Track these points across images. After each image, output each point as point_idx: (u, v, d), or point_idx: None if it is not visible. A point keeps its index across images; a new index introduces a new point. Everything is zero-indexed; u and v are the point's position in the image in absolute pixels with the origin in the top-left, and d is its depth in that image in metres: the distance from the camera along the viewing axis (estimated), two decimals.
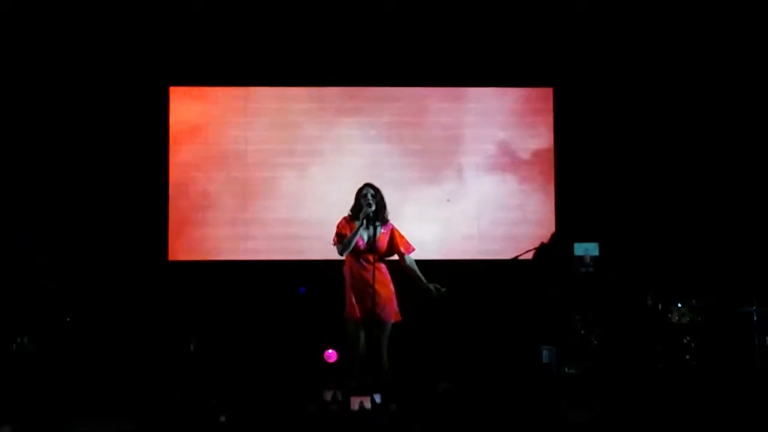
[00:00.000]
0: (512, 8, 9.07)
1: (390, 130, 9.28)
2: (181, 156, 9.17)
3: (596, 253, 8.29)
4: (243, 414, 6.80)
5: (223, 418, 6.64)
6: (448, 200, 9.23)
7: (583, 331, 8.09)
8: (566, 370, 7.92)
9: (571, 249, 8.33)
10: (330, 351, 8.24)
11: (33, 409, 6.81)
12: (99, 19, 8.93)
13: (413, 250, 7.28)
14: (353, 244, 7.05)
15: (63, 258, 8.03)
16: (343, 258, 7.15)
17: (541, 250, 8.62)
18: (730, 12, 8.90)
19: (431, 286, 7.15)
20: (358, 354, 7.05)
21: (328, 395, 6.90)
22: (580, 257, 8.30)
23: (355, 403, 6.69)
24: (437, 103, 9.31)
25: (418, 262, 7.24)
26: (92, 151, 8.99)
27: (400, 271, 7.23)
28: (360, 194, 7.20)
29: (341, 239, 7.11)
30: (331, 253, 7.25)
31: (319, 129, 9.26)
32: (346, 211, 7.24)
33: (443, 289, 7.15)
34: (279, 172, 9.19)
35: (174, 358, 8.16)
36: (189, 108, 9.21)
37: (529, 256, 8.27)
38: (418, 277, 7.21)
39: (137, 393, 7.38)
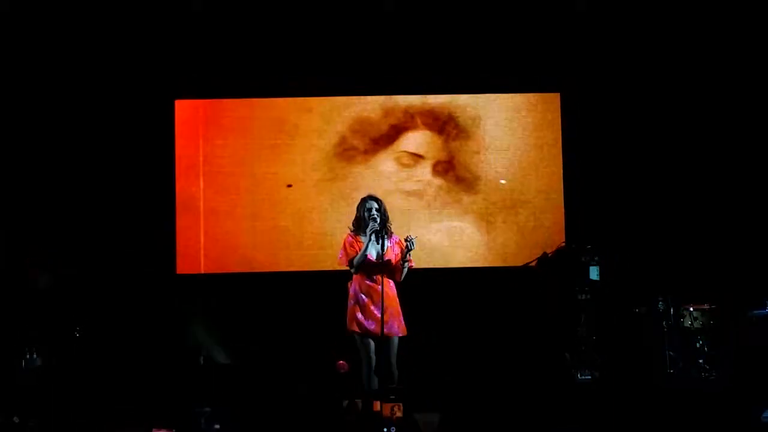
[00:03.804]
0: (518, 14, 9.02)
1: (400, 138, 9.24)
2: (187, 169, 9.15)
3: (596, 277, 7.99)
4: (254, 425, 6.78)
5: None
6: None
7: (593, 338, 8.03)
8: (579, 377, 7.84)
9: (580, 264, 8.08)
10: (341, 362, 8.17)
11: (45, 422, 6.82)
12: (105, 33, 8.93)
13: (413, 265, 6.99)
14: (364, 261, 6.83)
15: (67, 272, 8.02)
16: (348, 269, 6.99)
17: (544, 260, 8.33)
18: (737, 16, 8.84)
19: (406, 242, 6.74)
20: (368, 367, 6.86)
21: (345, 403, 6.81)
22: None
23: (377, 405, 6.43)
24: (437, 110, 9.27)
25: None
26: (99, 165, 8.99)
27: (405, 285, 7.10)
28: (363, 208, 6.89)
29: (351, 259, 6.87)
30: (337, 265, 7.21)
31: (327, 140, 9.22)
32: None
33: (414, 237, 6.73)
34: (286, 183, 9.15)
35: (183, 371, 8.14)
36: (195, 121, 9.19)
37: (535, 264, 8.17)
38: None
39: (146, 406, 7.39)
